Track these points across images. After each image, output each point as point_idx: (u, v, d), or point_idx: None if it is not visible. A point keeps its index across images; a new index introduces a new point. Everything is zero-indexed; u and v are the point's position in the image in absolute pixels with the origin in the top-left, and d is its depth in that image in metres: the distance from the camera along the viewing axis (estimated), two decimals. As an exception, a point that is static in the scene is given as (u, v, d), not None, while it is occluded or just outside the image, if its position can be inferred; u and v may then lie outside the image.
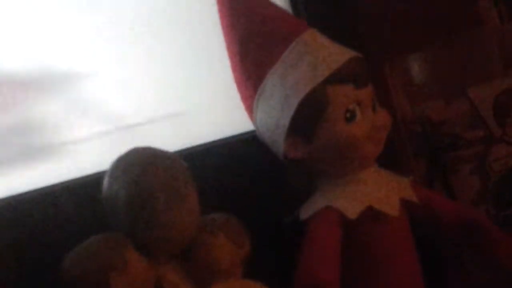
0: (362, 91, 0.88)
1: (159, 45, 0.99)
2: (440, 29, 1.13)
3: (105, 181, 0.78)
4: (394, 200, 0.90)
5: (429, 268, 0.96)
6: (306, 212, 0.89)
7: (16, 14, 0.89)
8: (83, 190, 0.84)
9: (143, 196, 0.75)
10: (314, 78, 0.87)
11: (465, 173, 1.04)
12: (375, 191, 0.90)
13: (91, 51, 0.94)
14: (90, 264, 0.73)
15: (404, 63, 1.07)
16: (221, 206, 0.84)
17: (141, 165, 0.77)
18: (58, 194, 0.84)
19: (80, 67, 0.93)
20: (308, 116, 0.87)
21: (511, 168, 1.04)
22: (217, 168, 0.94)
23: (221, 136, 0.99)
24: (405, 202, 0.92)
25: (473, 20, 1.16)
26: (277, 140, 0.89)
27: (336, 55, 0.88)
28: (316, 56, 0.88)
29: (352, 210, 0.87)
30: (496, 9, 1.18)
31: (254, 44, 0.90)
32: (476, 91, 1.04)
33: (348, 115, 0.87)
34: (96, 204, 0.79)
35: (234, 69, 0.92)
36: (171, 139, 0.92)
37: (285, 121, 0.87)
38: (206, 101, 1.02)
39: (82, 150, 0.90)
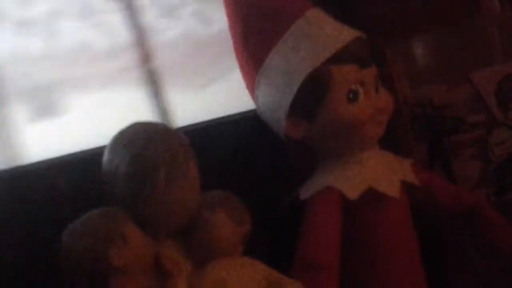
0: (366, 71, 0.88)
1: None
2: (441, 14, 1.12)
3: (105, 156, 0.77)
4: (395, 181, 0.90)
5: (429, 252, 0.95)
6: (306, 192, 0.88)
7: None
8: (81, 165, 0.84)
9: (144, 171, 0.74)
10: (317, 57, 0.86)
11: (466, 157, 1.04)
12: (376, 173, 0.89)
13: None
14: (89, 239, 0.72)
15: (406, 47, 1.07)
16: (222, 184, 0.83)
17: (142, 140, 0.76)
18: (56, 168, 0.83)
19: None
20: (310, 96, 0.86)
21: (512, 153, 1.04)
22: (218, 146, 0.94)
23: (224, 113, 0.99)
24: (405, 184, 0.91)
25: (474, 6, 1.16)
26: (279, 120, 0.88)
27: (339, 34, 0.88)
28: (319, 35, 0.87)
29: (353, 190, 0.87)
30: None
31: (256, 23, 0.90)
32: (479, 76, 1.03)
33: (350, 95, 0.87)
34: (95, 179, 0.78)
35: (236, 48, 0.92)
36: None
37: (287, 101, 0.86)
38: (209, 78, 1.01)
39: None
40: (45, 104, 0.91)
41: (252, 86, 0.91)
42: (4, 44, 0.87)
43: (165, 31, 0.99)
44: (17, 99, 0.87)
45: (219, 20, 0.92)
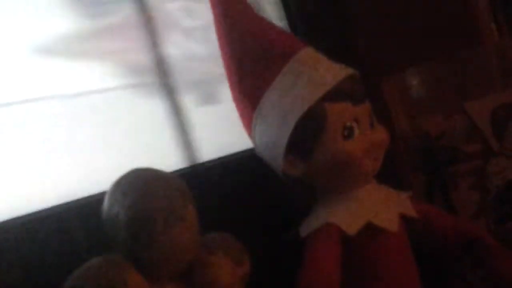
0: (360, 107, 0.89)
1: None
2: (438, 45, 1.13)
3: (105, 203, 0.78)
4: (393, 215, 0.90)
5: (430, 283, 0.96)
6: (306, 229, 0.89)
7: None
8: (88, 209, 0.85)
9: (142, 218, 0.76)
10: (312, 96, 0.87)
11: (465, 187, 1.04)
12: (374, 207, 0.90)
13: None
14: (91, 286, 0.73)
15: (402, 79, 1.08)
16: (221, 224, 0.84)
17: (140, 186, 0.77)
18: (63, 214, 0.84)
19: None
20: (306, 134, 0.87)
21: (510, 181, 1.04)
22: (217, 186, 0.94)
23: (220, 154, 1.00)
24: (404, 218, 0.92)
25: (472, 35, 1.17)
26: (276, 158, 0.89)
27: (332, 72, 0.89)
28: (313, 74, 0.88)
29: (352, 226, 0.88)
30: (495, 25, 1.18)
31: (251, 63, 0.91)
32: (474, 105, 1.04)
33: (346, 132, 0.88)
34: (97, 226, 0.79)
35: (232, 88, 0.93)
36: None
37: (283, 140, 0.87)
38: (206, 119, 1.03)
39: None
40: (207, 94, 1.13)
41: (249, 125, 0.92)
42: (176, 47, 1.09)
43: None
44: (186, 88, 1.07)
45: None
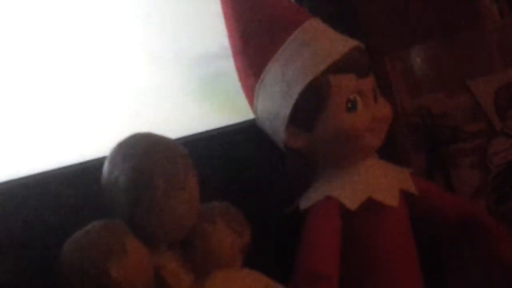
0: (364, 81, 0.88)
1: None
2: (441, 23, 1.13)
3: (105, 168, 0.77)
4: (394, 191, 0.90)
5: (428, 261, 0.95)
6: (305, 202, 0.88)
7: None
8: (83, 176, 0.84)
9: (143, 183, 0.74)
10: (316, 67, 0.86)
11: (465, 166, 1.04)
12: (375, 182, 0.89)
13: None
14: (89, 252, 0.72)
15: (405, 56, 1.07)
16: (221, 194, 0.83)
17: (141, 151, 0.76)
18: (58, 179, 0.83)
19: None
20: (309, 106, 0.86)
21: (511, 162, 1.03)
22: (217, 156, 0.94)
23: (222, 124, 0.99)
24: (404, 194, 0.91)
25: (473, 14, 1.16)
26: (278, 130, 0.88)
27: (338, 44, 0.88)
28: (318, 45, 0.87)
29: (352, 201, 0.87)
30: (496, 4, 1.18)
31: (255, 33, 0.90)
32: (477, 84, 1.03)
33: (349, 105, 0.87)
34: (96, 191, 0.78)
35: (235, 58, 0.92)
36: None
37: (286, 111, 0.87)
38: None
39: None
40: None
41: (251, 96, 0.91)
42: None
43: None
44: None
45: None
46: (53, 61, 0.91)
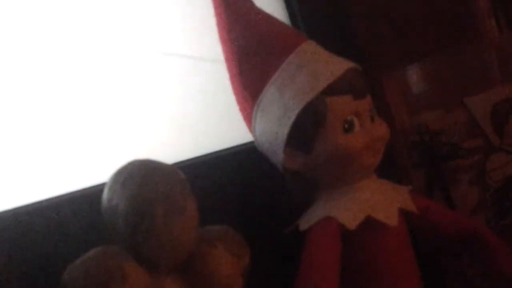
0: (360, 101, 0.88)
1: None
2: (438, 40, 1.13)
3: (104, 194, 0.78)
4: (393, 210, 0.90)
5: (429, 278, 0.96)
6: (305, 222, 0.89)
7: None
8: (85, 202, 0.84)
9: (142, 209, 0.75)
10: (312, 89, 0.87)
11: (465, 183, 1.04)
12: (374, 201, 0.90)
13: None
14: (89, 278, 0.73)
15: (402, 74, 1.07)
16: (220, 217, 0.84)
17: (140, 178, 0.77)
18: (60, 206, 0.84)
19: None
20: (306, 128, 0.87)
21: (510, 177, 1.04)
22: (216, 180, 0.94)
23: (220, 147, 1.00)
24: (404, 212, 0.92)
25: (471, 30, 1.17)
26: (276, 152, 0.89)
27: (334, 66, 0.89)
28: (314, 67, 0.88)
29: (351, 220, 0.87)
30: (494, 20, 1.18)
31: (252, 56, 0.91)
32: (474, 101, 1.04)
33: (346, 126, 0.87)
34: (97, 216, 0.79)
35: (232, 81, 0.93)
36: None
37: (284, 133, 0.87)
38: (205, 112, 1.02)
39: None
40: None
41: (249, 118, 0.91)
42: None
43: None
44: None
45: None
46: (55, 91, 0.92)
